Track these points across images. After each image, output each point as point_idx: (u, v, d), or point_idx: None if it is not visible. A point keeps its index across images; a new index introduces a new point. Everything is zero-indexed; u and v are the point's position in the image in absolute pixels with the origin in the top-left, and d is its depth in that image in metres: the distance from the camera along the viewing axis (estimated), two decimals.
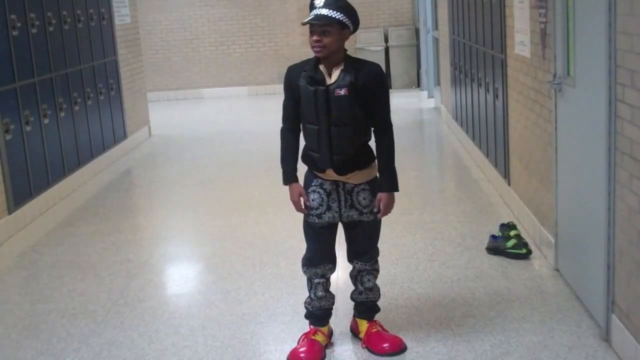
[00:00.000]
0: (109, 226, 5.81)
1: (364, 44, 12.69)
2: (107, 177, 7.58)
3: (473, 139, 7.16)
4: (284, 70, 3.42)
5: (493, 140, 6.13)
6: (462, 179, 6.76)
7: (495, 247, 4.62)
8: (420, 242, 4.96)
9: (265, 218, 5.78)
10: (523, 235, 4.70)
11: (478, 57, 6.68)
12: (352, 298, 3.59)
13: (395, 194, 3.39)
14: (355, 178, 3.34)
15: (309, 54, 3.31)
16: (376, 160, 3.36)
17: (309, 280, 3.50)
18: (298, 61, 3.40)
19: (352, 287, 3.57)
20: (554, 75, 4.08)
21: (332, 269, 3.50)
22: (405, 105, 10.89)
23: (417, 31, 12.52)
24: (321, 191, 3.36)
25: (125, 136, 8.80)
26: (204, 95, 13.51)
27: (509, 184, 5.62)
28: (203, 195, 6.75)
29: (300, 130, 3.41)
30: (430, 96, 11.36)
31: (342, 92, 3.20)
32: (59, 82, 6.88)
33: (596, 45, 3.39)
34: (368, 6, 13.27)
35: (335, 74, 3.25)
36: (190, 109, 12.43)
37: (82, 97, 7.47)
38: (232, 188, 6.91)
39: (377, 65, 3.35)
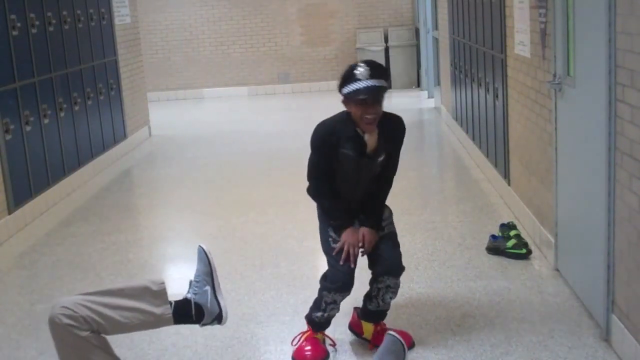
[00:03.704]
0: (109, 226, 5.81)
1: (364, 44, 12.70)
2: (107, 177, 7.58)
3: (473, 139, 7.17)
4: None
5: (493, 140, 6.13)
6: (462, 179, 6.76)
7: (495, 247, 4.62)
8: (420, 242, 4.96)
9: (265, 218, 5.78)
10: (523, 235, 4.70)
11: (478, 57, 6.68)
12: (365, 305, 3.53)
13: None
14: None
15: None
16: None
17: (332, 302, 3.36)
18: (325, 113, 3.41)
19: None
20: (554, 75, 4.08)
21: None
22: (405, 105, 10.90)
23: (417, 31, 12.52)
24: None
25: (125, 136, 8.80)
26: (204, 95, 13.50)
27: (509, 184, 5.62)
28: (203, 195, 6.75)
29: (329, 181, 3.37)
30: (430, 96, 11.36)
31: (382, 158, 3.31)
32: (59, 82, 6.88)
33: (596, 45, 3.39)
34: (368, 6, 13.28)
35: (372, 137, 3.28)
36: (190, 109, 12.43)
37: (82, 97, 7.46)
38: (232, 188, 6.91)
39: (401, 120, 3.40)
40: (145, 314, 2.76)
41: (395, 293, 3.46)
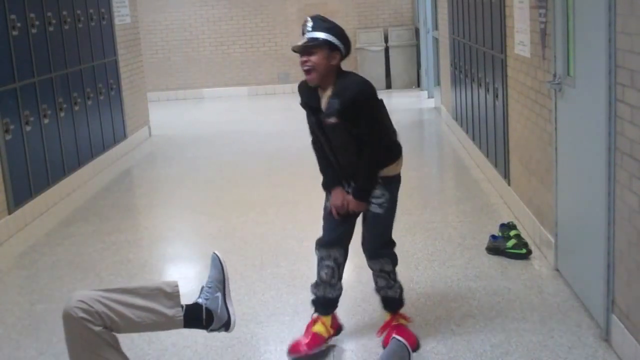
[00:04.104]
0: (109, 226, 5.81)
1: (364, 44, 12.70)
2: (107, 177, 7.58)
3: (473, 139, 7.17)
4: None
5: (493, 140, 6.13)
6: (462, 179, 6.76)
7: (495, 247, 4.62)
8: (420, 242, 4.96)
9: (265, 218, 5.78)
10: (523, 235, 4.70)
11: (478, 57, 6.68)
12: (375, 290, 3.60)
13: None
14: None
15: None
16: (399, 159, 3.45)
17: (320, 260, 3.48)
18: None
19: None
20: (554, 75, 4.08)
21: (343, 255, 3.47)
22: (405, 105, 10.89)
23: (417, 31, 12.52)
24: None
25: (125, 136, 8.80)
26: (204, 95, 13.51)
27: (509, 184, 5.62)
28: (203, 195, 6.75)
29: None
30: (430, 96, 11.36)
31: (332, 120, 3.27)
32: (59, 82, 6.88)
33: (596, 45, 3.39)
34: (368, 6, 13.28)
35: (325, 98, 3.30)
36: (190, 109, 12.43)
37: (82, 97, 7.47)
38: (232, 188, 6.91)
39: (361, 83, 3.30)
40: (157, 315, 2.79)
41: (385, 279, 3.48)
